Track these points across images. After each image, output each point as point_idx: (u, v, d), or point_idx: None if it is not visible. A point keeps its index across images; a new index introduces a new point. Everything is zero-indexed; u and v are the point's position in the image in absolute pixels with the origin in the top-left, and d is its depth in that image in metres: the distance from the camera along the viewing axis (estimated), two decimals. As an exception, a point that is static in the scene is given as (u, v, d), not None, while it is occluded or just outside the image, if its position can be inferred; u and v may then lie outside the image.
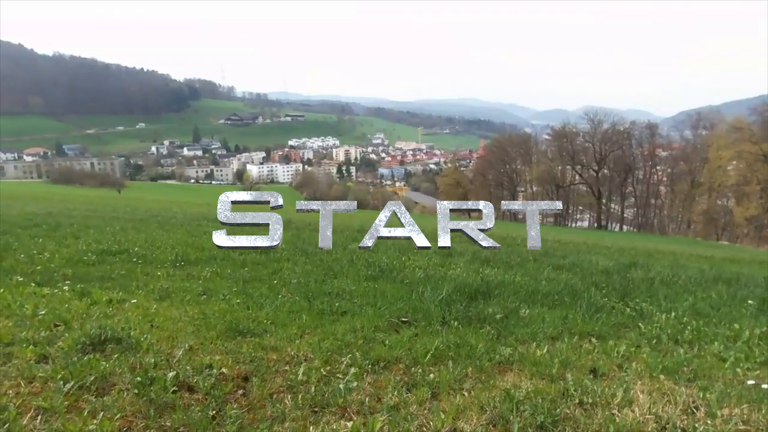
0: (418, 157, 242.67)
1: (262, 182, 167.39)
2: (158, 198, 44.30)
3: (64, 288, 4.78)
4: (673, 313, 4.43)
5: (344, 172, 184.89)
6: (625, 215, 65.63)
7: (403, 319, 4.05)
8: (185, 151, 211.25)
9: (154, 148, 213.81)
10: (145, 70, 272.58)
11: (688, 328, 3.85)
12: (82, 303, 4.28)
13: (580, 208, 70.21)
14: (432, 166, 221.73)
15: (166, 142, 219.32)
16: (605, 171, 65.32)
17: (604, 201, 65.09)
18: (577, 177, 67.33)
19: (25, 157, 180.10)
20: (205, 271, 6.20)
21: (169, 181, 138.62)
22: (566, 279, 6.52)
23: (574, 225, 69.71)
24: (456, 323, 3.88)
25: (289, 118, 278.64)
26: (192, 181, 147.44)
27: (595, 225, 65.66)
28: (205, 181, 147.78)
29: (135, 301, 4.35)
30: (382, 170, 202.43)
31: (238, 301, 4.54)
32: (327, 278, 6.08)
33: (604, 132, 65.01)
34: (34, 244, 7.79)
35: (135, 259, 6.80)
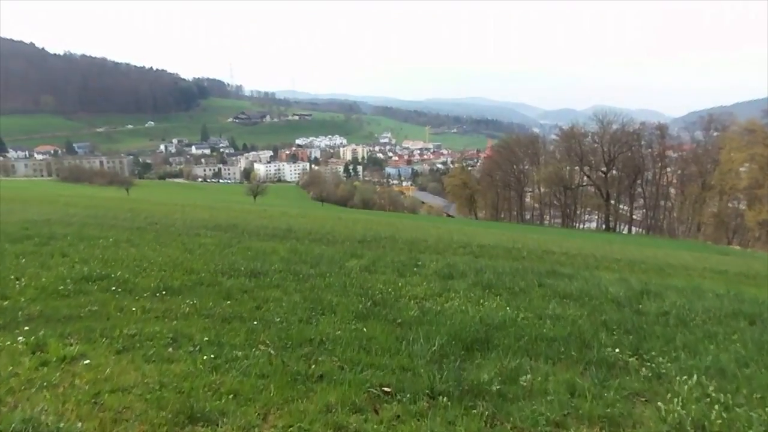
0: (425, 156, 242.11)
1: (269, 181, 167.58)
2: (165, 199, 44.15)
3: (20, 339, 4.34)
4: (695, 375, 3.89)
5: (351, 171, 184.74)
6: (634, 217, 64.62)
7: (386, 389, 3.56)
8: (193, 150, 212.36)
9: (162, 147, 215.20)
10: (154, 69, 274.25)
11: (716, 407, 3.30)
12: (32, 363, 3.83)
13: (588, 209, 69.28)
14: (439, 165, 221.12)
15: (175, 141, 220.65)
16: (614, 172, 64.36)
17: (612, 202, 64.11)
18: (585, 178, 66.38)
19: (35, 155, 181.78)
20: (184, 305, 5.72)
21: (176, 180, 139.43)
22: (573, 317, 5.97)
23: (582, 226, 68.84)
24: (445, 399, 3.38)
25: (296, 117, 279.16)
26: (200, 179, 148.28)
27: (603, 227, 64.75)
28: (213, 180, 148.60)
29: (89, 362, 3.89)
30: (389, 169, 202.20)
31: (205, 357, 4.06)
32: (314, 315, 5.59)
33: (614, 133, 64.03)
34: (17, 265, 7.38)
35: (114, 288, 6.33)
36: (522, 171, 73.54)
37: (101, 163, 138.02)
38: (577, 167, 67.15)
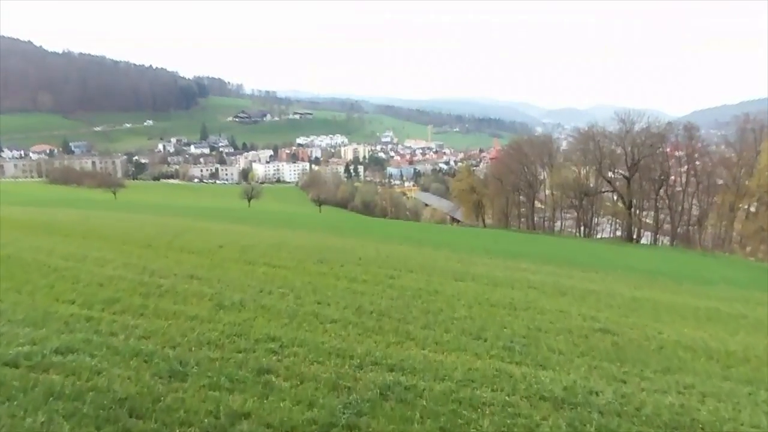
0: (427, 156, 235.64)
1: (268, 181, 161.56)
2: (145, 210, 38.00)
3: None
4: None
5: (352, 171, 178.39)
6: (658, 226, 58.09)
7: None
8: (192, 149, 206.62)
9: (161, 146, 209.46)
10: (154, 67, 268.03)
11: None
12: None
13: (601, 215, 62.92)
14: (442, 165, 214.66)
15: (174, 140, 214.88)
16: (637, 177, 57.87)
17: (635, 211, 57.62)
18: (606, 184, 59.95)
19: (31, 154, 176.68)
20: None
21: (171, 181, 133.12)
22: None
23: (599, 235, 62.57)
24: None
25: (297, 116, 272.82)
26: (196, 180, 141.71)
27: (621, 234, 58.48)
28: (210, 181, 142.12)
29: None
30: (391, 170, 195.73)
31: None
32: None
33: (638, 134, 57.51)
34: None
35: None
36: (534, 174, 67.00)
37: (94, 163, 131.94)
38: (595, 171, 60.64)
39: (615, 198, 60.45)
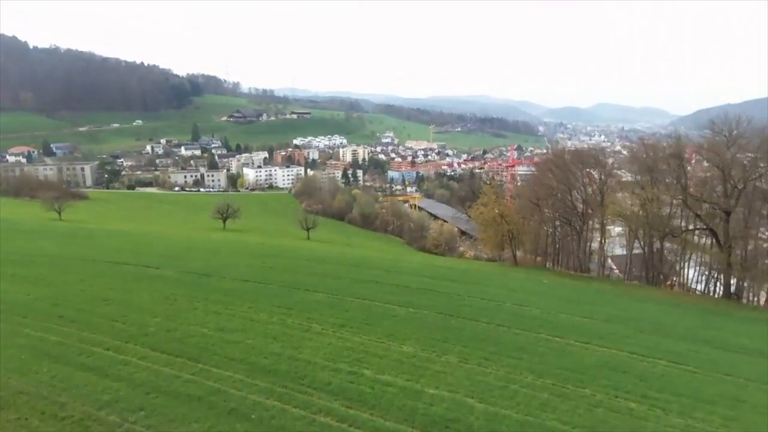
0: (429, 157, 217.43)
1: (259, 188, 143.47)
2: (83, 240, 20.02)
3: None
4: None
5: (350, 176, 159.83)
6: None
7: None
8: (183, 151, 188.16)
9: (149, 147, 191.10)
10: (145, 64, 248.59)
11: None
12: None
13: (688, 261, 45.01)
14: (444, 167, 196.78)
15: (163, 141, 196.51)
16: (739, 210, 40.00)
17: (735, 255, 39.77)
18: (691, 217, 42.08)
19: (8, 157, 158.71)
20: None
21: (148, 189, 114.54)
22: None
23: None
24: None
25: (294, 116, 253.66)
26: (177, 189, 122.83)
27: (716, 292, 40.89)
28: (193, 189, 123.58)
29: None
30: (392, 174, 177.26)
31: None
32: None
33: (743, 150, 39.59)
34: None
35: None
36: (584, 200, 49.06)
37: (59, 170, 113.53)
38: (676, 198, 42.77)
39: (705, 239, 42.64)
